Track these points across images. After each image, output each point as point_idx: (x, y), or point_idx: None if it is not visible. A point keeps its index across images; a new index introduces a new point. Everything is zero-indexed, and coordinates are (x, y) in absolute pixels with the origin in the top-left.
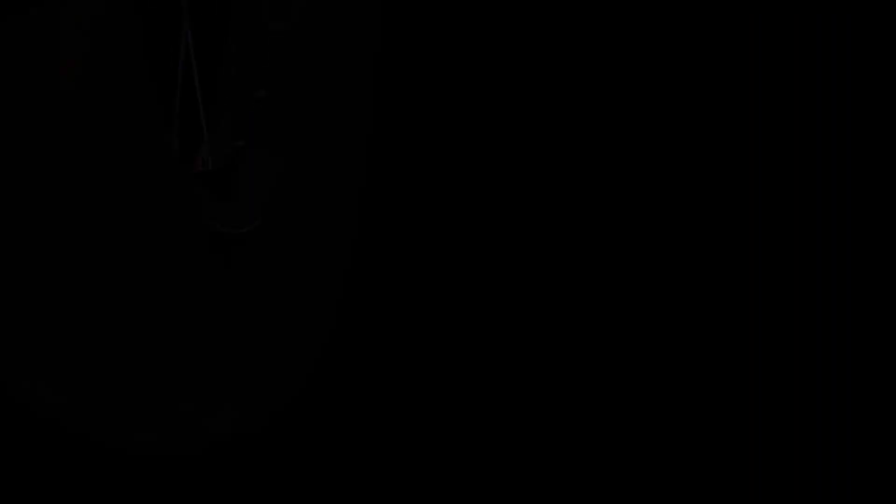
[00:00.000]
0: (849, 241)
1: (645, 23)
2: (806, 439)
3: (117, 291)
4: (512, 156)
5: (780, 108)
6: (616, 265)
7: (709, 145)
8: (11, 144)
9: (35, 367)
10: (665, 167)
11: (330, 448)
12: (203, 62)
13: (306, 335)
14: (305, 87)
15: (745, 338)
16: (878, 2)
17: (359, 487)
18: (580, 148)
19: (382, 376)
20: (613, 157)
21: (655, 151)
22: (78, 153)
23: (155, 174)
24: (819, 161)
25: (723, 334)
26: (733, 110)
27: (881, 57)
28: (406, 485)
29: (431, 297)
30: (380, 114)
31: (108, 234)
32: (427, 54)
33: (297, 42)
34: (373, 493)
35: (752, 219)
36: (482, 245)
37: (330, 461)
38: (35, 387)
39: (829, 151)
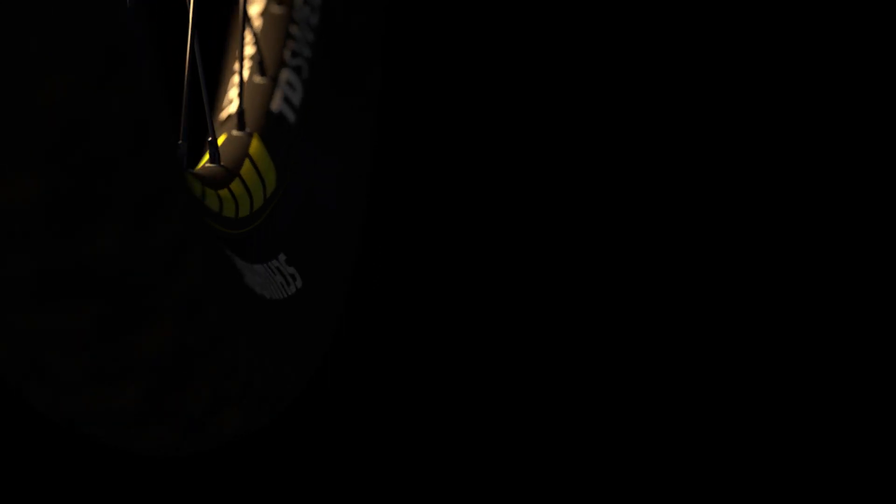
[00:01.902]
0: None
1: (648, 21)
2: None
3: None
4: (519, 158)
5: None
6: (619, 267)
7: (710, 145)
8: None
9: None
10: (668, 166)
11: (330, 448)
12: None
13: (309, 335)
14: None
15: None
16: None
17: (359, 487)
18: (585, 149)
19: (383, 376)
20: (621, 158)
21: (660, 152)
22: None
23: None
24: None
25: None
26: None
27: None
28: (406, 485)
29: (433, 298)
30: (384, 114)
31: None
32: (433, 54)
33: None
34: (373, 493)
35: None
36: (484, 247)
37: (330, 461)
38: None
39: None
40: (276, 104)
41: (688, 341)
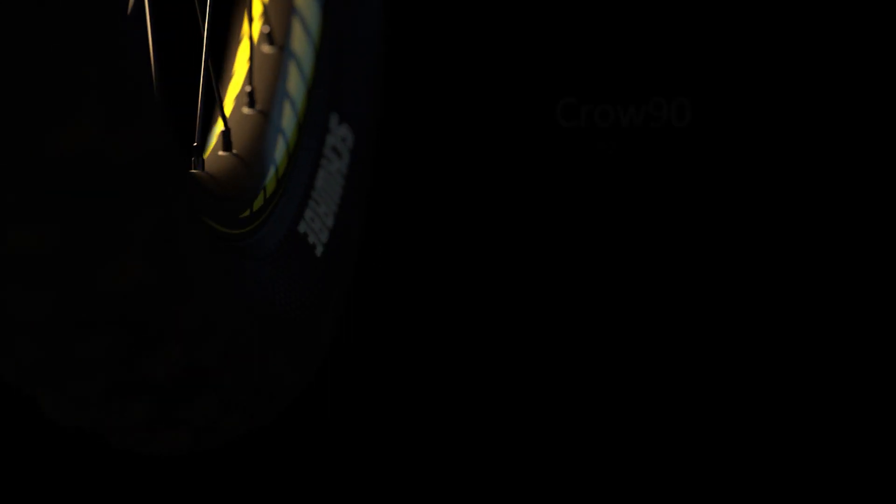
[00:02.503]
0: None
1: (649, 22)
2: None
3: None
4: (519, 157)
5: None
6: (620, 269)
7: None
8: None
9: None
10: (671, 169)
11: (330, 448)
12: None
13: (308, 336)
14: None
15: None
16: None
17: (359, 487)
18: (586, 148)
19: (383, 376)
20: (621, 157)
21: (660, 151)
22: None
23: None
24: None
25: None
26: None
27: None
28: (406, 485)
29: (433, 297)
30: (386, 115)
31: None
32: (433, 54)
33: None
34: (373, 494)
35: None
36: (485, 247)
37: (330, 461)
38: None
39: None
40: None
41: (686, 342)
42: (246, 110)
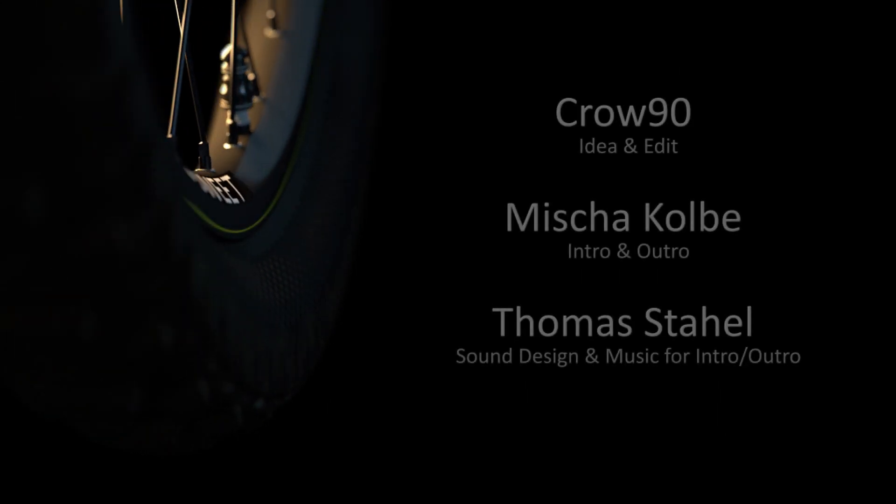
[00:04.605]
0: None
1: (649, 24)
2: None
3: None
4: (520, 158)
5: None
6: (618, 267)
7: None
8: None
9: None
10: (671, 168)
11: (330, 448)
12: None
13: (307, 334)
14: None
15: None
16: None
17: (359, 487)
18: (586, 149)
19: (382, 376)
20: (620, 158)
21: (658, 149)
22: None
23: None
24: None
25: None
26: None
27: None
28: (405, 485)
29: (432, 297)
30: (384, 114)
31: None
32: (433, 54)
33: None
34: (371, 494)
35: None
36: (484, 247)
37: (330, 461)
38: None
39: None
40: None
41: (688, 343)
42: (270, 32)
